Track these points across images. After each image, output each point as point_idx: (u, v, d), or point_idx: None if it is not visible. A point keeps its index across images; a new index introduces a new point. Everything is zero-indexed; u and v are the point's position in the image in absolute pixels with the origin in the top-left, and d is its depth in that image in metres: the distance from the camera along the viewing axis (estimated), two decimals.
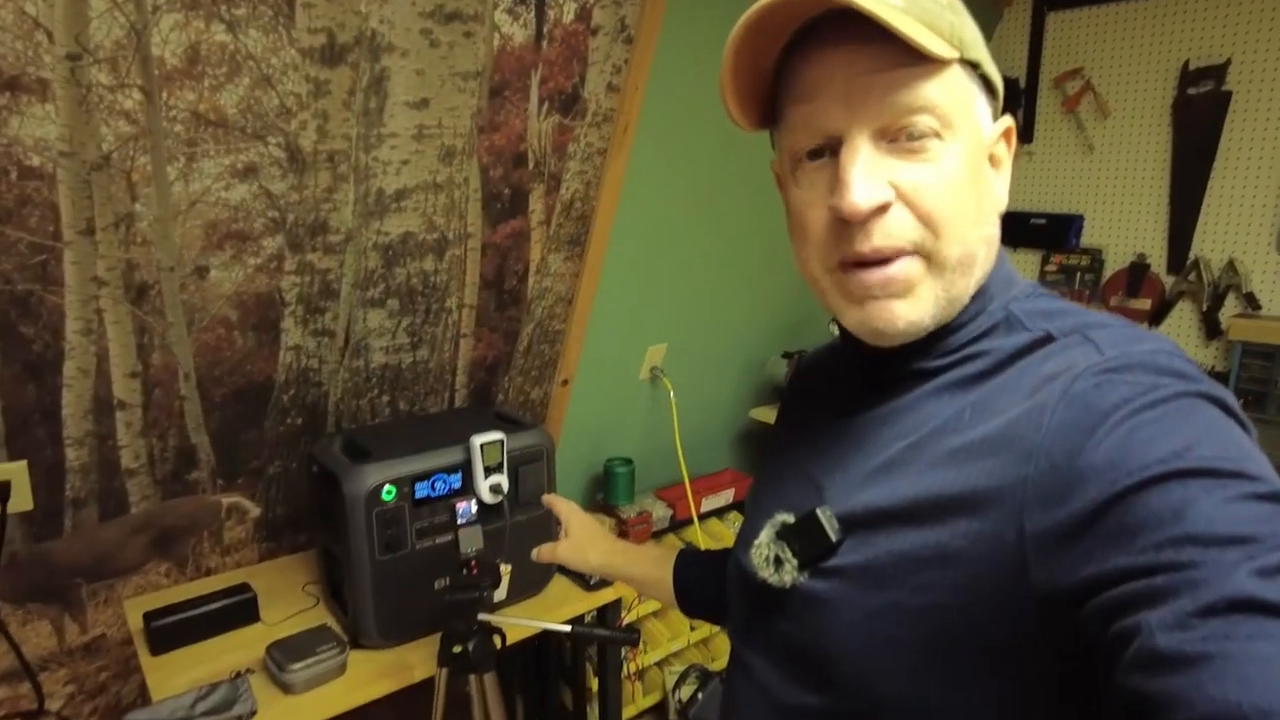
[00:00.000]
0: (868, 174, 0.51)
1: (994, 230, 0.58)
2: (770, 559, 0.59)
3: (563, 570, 1.67)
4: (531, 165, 1.70)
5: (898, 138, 0.52)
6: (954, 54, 0.51)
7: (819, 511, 0.57)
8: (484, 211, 1.69)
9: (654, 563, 0.96)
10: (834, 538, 0.56)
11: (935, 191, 0.52)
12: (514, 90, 1.58)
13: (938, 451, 0.53)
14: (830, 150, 0.54)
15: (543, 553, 1.06)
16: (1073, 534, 0.45)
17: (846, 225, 0.53)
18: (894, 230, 0.52)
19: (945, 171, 0.52)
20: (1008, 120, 0.58)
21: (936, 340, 0.58)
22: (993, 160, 0.58)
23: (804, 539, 0.58)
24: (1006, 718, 0.52)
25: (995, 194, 0.58)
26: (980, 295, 0.58)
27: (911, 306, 0.54)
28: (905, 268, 0.53)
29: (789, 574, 0.58)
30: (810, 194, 0.55)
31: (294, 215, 1.45)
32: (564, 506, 1.09)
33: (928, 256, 0.53)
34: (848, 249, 0.53)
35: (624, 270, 2.02)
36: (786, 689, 0.62)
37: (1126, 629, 0.41)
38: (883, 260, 0.53)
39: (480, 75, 1.52)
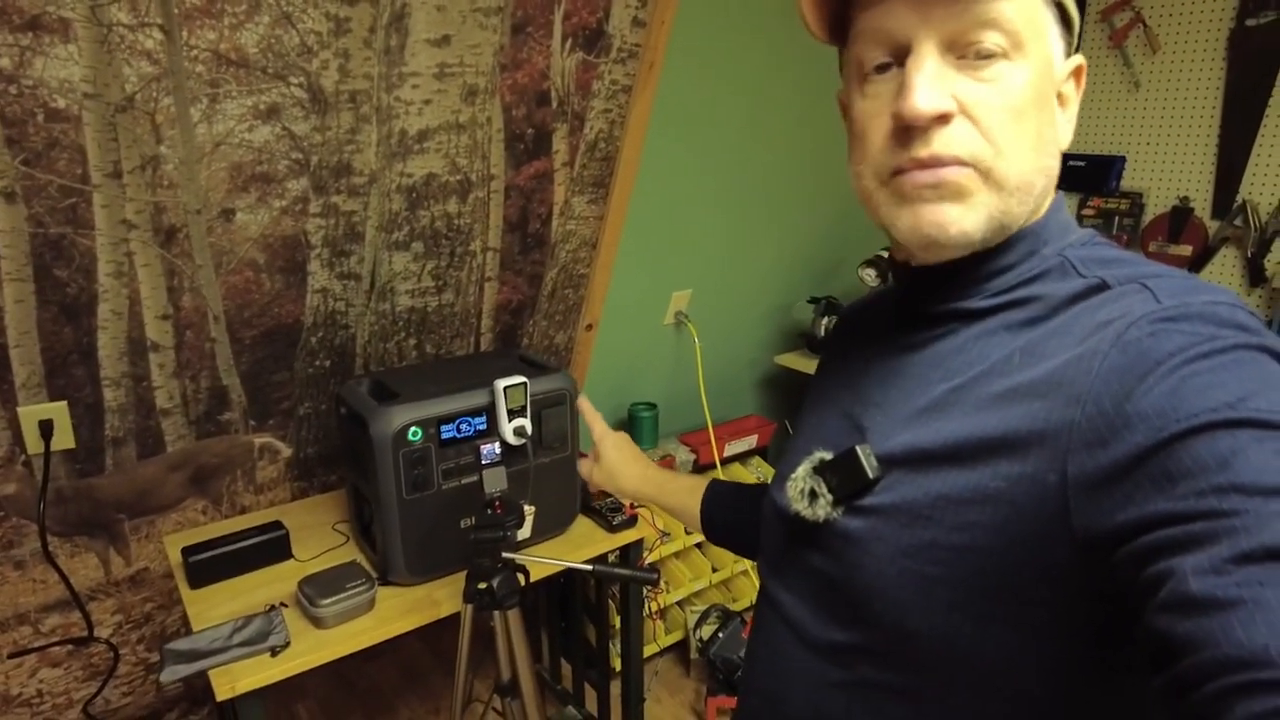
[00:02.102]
0: (933, 81, 0.51)
1: (1053, 164, 0.56)
2: (805, 492, 0.59)
3: (586, 511, 1.70)
4: (555, 104, 1.67)
5: (965, 53, 0.52)
6: None
7: (858, 449, 0.57)
8: (507, 152, 1.67)
9: (685, 492, 0.98)
10: (871, 475, 0.56)
11: (997, 111, 0.52)
12: (537, 26, 1.54)
13: (984, 394, 0.53)
14: (898, 63, 0.54)
15: (580, 469, 1.12)
16: (1115, 478, 0.44)
17: (907, 133, 0.53)
18: (954, 140, 0.52)
19: (1009, 93, 0.52)
20: (1079, 59, 0.57)
21: (983, 280, 0.57)
22: (1060, 98, 0.57)
23: (841, 475, 0.58)
24: (1036, 658, 0.52)
25: (1058, 128, 0.57)
26: (1032, 237, 0.57)
27: (965, 213, 0.53)
28: (959, 173, 0.52)
29: (823, 508, 0.58)
30: (875, 104, 0.55)
31: (317, 157, 1.44)
32: (597, 426, 1.10)
33: (986, 172, 0.53)
34: (904, 156, 0.53)
35: (649, 214, 2.00)
36: (815, 625, 0.62)
37: (1160, 573, 0.41)
38: (939, 165, 0.52)
39: (502, 11, 1.48)
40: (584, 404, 1.15)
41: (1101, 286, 0.52)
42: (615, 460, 1.06)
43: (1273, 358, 0.45)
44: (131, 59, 1.20)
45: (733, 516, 0.92)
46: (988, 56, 0.51)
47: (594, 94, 1.71)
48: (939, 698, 0.56)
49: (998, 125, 0.52)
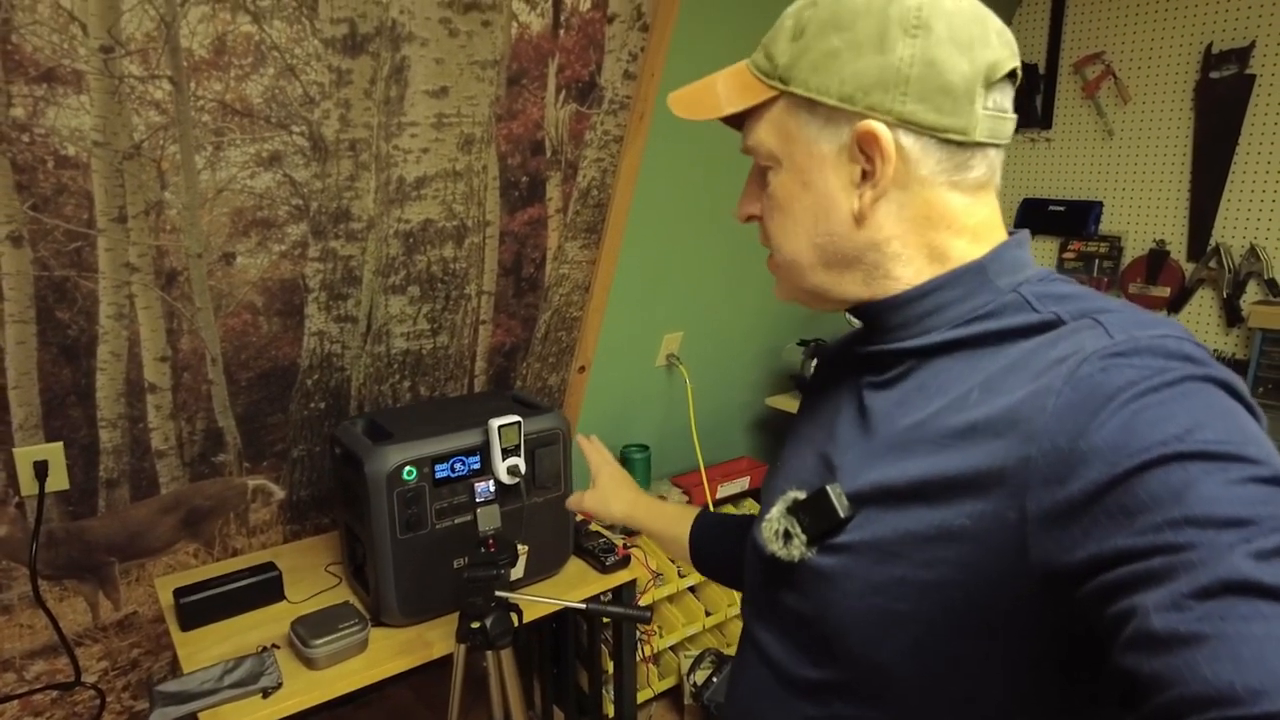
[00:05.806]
0: (747, 194, 0.67)
1: (831, 235, 0.60)
2: (779, 533, 0.61)
3: (579, 553, 1.70)
4: (549, 153, 1.72)
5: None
6: (748, 101, 0.61)
7: (829, 488, 0.58)
8: (502, 199, 1.71)
9: (674, 520, 0.98)
10: (842, 514, 0.57)
11: (767, 212, 0.65)
12: (531, 78, 1.60)
13: (944, 429, 0.54)
14: None
15: (570, 501, 1.13)
16: (1073, 514, 0.45)
17: None
18: (762, 234, 0.67)
19: (774, 197, 0.63)
20: (854, 129, 0.56)
21: (930, 315, 0.59)
22: (863, 173, 0.58)
23: (813, 515, 0.59)
24: (1004, 692, 0.53)
25: (838, 205, 0.59)
26: (975, 273, 0.58)
27: (779, 290, 0.69)
28: (772, 262, 0.67)
29: (797, 549, 0.60)
30: None
31: (317, 203, 1.48)
32: (595, 456, 1.12)
33: (778, 257, 0.66)
34: None
35: (641, 258, 2.04)
36: (791, 662, 0.64)
37: (1123, 610, 0.42)
38: None
39: (498, 64, 1.54)
40: (582, 440, 1.17)
41: (1056, 322, 0.54)
42: (608, 486, 1.07)
43: (1218, 387, 0.47)
44: (140, 109, 1.24)
45: (720, 547, 0.93)
46: (767, 169, 0.63)
47: (587, 144, 1.76)
48: None
49: (772, 223, 0.64)
